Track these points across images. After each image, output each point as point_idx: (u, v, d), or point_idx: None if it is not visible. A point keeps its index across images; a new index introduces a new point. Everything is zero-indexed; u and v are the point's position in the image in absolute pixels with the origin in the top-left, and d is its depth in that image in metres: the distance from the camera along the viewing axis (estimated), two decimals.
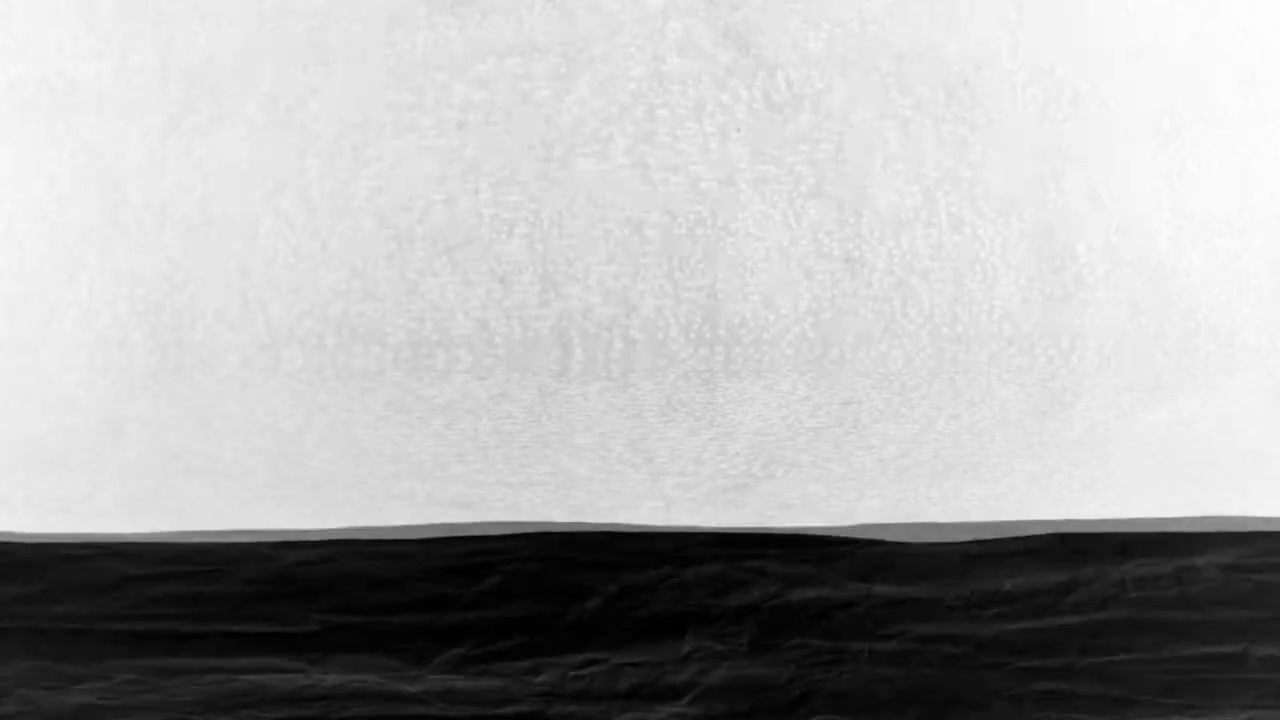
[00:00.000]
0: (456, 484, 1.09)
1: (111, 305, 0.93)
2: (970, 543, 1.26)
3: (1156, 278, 0.96)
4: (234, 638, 1.22)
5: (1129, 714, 1.21)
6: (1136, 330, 0.96)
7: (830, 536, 1.26)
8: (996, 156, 0.93)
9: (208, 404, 0.98)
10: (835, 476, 1.09)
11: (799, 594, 1.24)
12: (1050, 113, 0.93)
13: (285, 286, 0.93)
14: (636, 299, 0.93)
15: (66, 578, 1.24)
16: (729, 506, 1.14)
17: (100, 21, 0.93)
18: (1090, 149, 0.94)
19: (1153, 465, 1.09)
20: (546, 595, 1.24)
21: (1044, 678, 1.22)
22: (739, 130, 0.92)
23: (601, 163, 0.92)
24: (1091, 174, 0.94)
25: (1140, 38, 0.94)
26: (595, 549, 1.25)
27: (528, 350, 0.94)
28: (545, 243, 0.92)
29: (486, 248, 0.92)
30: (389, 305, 0.93)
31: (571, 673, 1.22)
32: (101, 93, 0.92)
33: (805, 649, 1.23)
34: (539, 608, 1.24)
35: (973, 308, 0.95)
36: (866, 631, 1.23)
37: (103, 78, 0.92)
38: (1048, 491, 1.14)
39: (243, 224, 0.92)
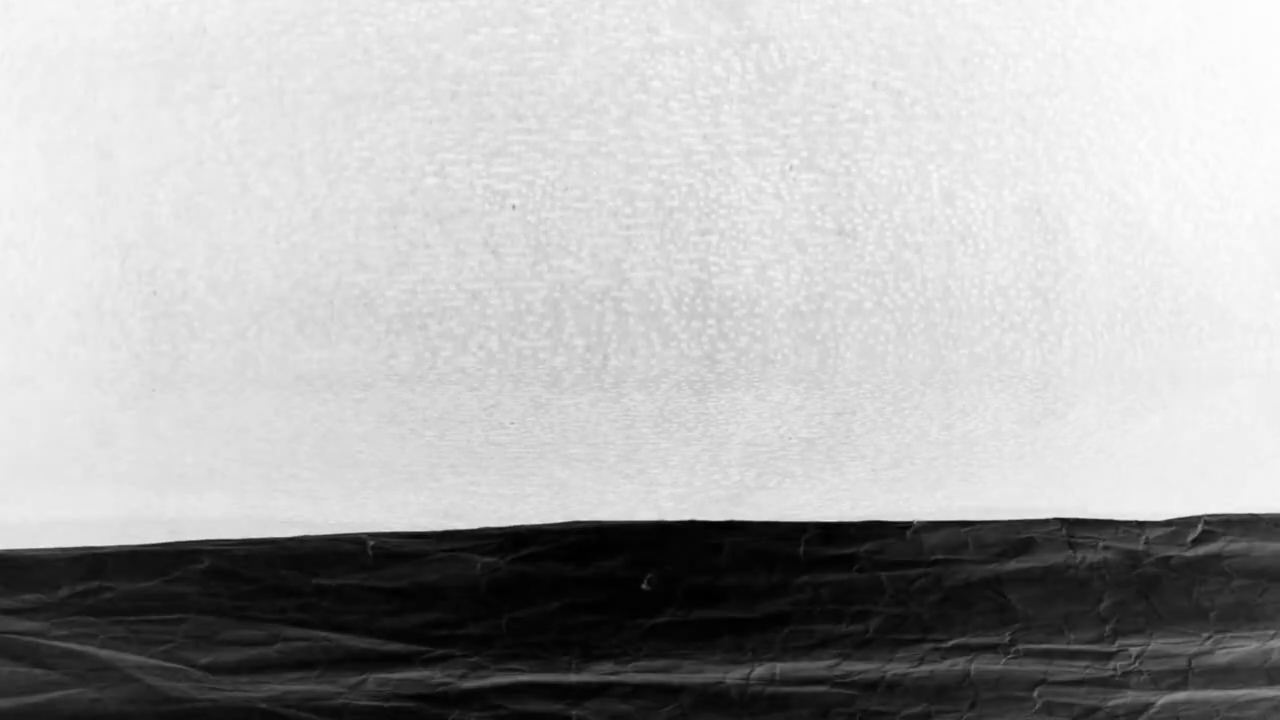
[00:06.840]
0: (450, 495, 1.08)
1: (102, 274, 0.93)
2: None
3: (1149, 252, 0.96)
4: None
5: None
6: (1128, 304, 0.96)
7: None
8: (989, 129, 0.93)
9: (200, 414, 0.98)
10: (828, 487, 1.08)
11: None
12: (1043, 86, 0.93)
13: (277, 257, 0.92)
14: (628, 270, 0.93)
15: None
16: (721, 516, 1.14)
17: None
18: (1083, 123, 0.94)
19: (1145, 473, 1.09)
20: None
21: None
22: (732, 103, 0.92)
23: (594, 134, 0.92)
24: (1084, 147, 0.94)
25: (1132, 12, 0.94)
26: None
27: (519, 321, 0.94)
28: (537, 214, 0.92)
29: (479, 219, 0.92)
30: (381, 276, 0.93)
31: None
32: (94, 61, 0.92)
33: None
34: None
35: (964, 281, 0.95)
36: None
37: (96, 46, 0.92)
38: (1040, 501, 1.14)
39: (235, 193, 0.92)
